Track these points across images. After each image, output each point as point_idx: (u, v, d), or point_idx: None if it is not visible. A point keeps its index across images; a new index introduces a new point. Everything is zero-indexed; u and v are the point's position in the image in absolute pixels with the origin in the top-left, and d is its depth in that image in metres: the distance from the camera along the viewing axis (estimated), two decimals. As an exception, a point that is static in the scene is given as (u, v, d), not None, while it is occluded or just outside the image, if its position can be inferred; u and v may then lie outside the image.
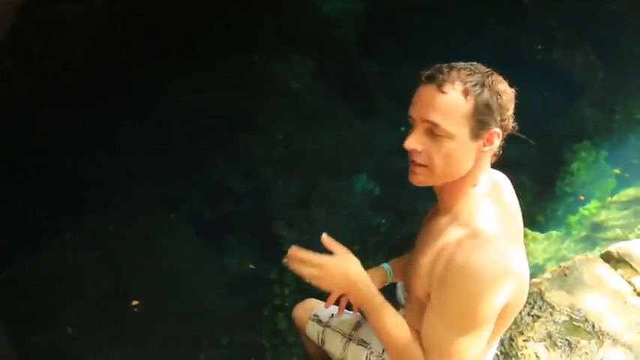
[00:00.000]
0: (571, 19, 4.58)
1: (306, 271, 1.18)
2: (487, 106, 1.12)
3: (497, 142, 1.18)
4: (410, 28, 4.52)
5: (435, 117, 1.12)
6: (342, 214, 3.37)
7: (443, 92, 1.12)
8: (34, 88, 3.70)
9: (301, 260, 1.19)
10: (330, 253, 1.22)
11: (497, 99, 1.14)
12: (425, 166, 1.17)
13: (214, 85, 4.04)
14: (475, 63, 1.19)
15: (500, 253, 1.11)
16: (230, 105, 3.93)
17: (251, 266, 3.11)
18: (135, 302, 2.84)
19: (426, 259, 1.20)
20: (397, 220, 3.32)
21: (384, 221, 3.34)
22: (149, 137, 3.71)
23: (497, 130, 1.16)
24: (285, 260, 1.23)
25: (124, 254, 3.08)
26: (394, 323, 1.20)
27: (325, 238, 1.20)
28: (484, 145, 1.16)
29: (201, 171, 3.55)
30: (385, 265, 1.61)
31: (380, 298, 1.22)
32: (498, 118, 1.15)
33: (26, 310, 2.81)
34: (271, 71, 4.21)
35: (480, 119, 1.13)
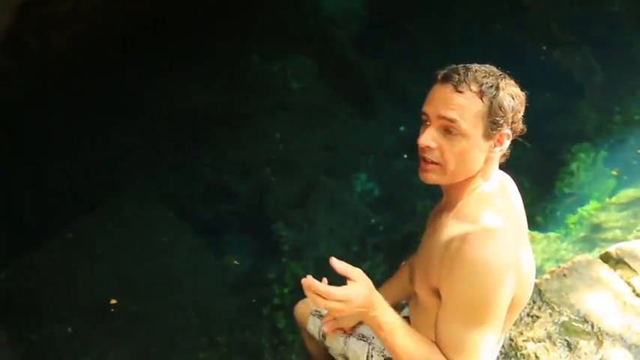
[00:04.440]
0: (571, 20, 4.58)
1: (331, 305, 1.09)
2: (501, 108, 1.16)
3: (507, 143, 1.21)
4: (410, 28, 4.52)
5: (452, 114, 1.15)
6: (341, 213, 3.36)
7: (459, 92, 1.15)
8: (32, 88, 3.70)
9: (323, 294, 1.09)
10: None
11: (510, 101, 1.18)
12: (437, 163, 1.18)
13: (213, 84, 4.04)
14: (488, 65, 1.22)
15: (507, 246, 1.13)
16: (229, 104, 3.93)
17: (235, 262, 3.11)
18: (113, 301, 2.83)
19: (431, 256, 1.21)
20: (396, 219, 3.32)
21: (383, 221, 3.34)
22: (148, 136, 3.70)
23: (508, 131, 1.20)
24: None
25: (123, 253, 3.08)
26: (410, 340, 1.16)
27: (336, 263, 1.12)
28: (495, 146, 1.20)
29: (200, 170, 3.54)
30: None
31: (392, 317, 1.17)
32: (510, 120, 1.18)
33: (25, 309, 2.81)
34: (271, 70, 4.21)
35: (494, 120, 1.16)
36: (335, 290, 1.09)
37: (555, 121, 3.83)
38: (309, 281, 1.10)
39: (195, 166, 3.57)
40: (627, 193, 3.38)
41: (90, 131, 3.60)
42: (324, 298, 1.09)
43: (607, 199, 3.39)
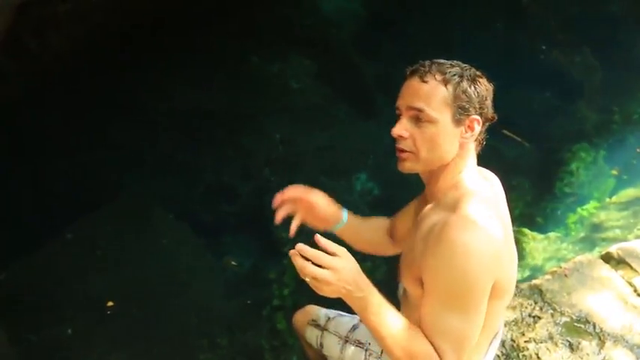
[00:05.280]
0: (570, 20, 4.58)
1: (318, 272, 1.08)
2: (465, 93, 1.21)
3: (478, 128, 1.24)
4: (410, 29, 4.51)
5: (418, 103, 1.21)
6: (341, 214, 3.35)
7: (425, 82, 1.22)
8: (31, 87, 3.69)
9: (312, 257, 1.08)
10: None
11: (475, 88, 1.23)
12: (411, 152, 1.23)
13: (213, 85, 4.04)
14: (455, 61, 1.27)
15: (489, 232, 1.14)
16: (229, 105, 3.92)
17: (233, 263, 3.11)
18: (110, 303, 2.82)
19: (415, 248, 1.23)
20: (396, 220, 3.31)
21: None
22: (147, 137, 3.70)
23: (477, 117, 1.23)
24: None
25: (123, 254, 3.07)
26: (396, 323, 1.16)
27: (321, 239, 1.11)
28: (465, 132, 1.23)
29: (200, 171, 3.54)
30: (344, 212, 1.59)
31: (380, 299, 1.16)
32: (477, 106, 1.23)
33: (25, 310, 2.80)
34: (270, 71, 4.21)
35: (460, 105, 1.21)
36: (324, 255, 1.09)
37: (555, 121, 3.83)
38: (299, 246, 1.09)
39: (195, 166, 3.56)
40: (627, 193, 3.39)
41: (89, 131, 3.59)
42: (313, 263, 1.07)
43: (607, 199, 3.39)
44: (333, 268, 1.09)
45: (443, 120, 1.20)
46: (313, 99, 4.05)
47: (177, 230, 3.20)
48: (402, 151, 1.24)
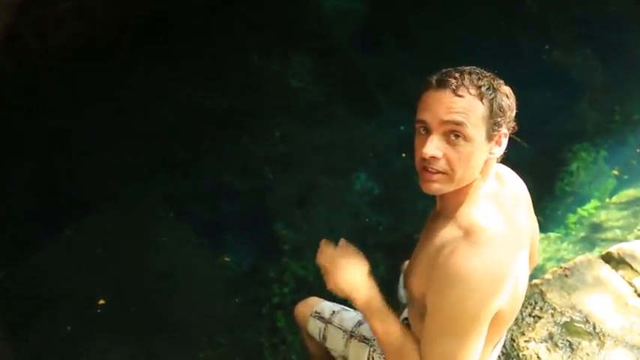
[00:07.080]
0: (571, 19, 4.58)
1: (321, 260, 1.30)
2: (501, 109, 1.14)
3: (505, 143, 1.19)
4: (411, 28, 4.51)
5: (458, 117, 1.10)
6: (341, 213, 3.36)
7: (459, 96, 1.11)
8: (31, 86, 3.69)
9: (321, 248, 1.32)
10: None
11: (506, 100, 1.16)
12: (443, 172, 1.14)
13: (213, 83, 4.03)
14: (474, 67, 1.19)
15: (496, 261, 1.11)
16: (229, 103, 3.92)
17: (226, 259, 3.11)
18: (101, 301, 2.82)
19: (424, 260, 1.21)
20: (396, 219, 3.32)
21: (383, 220, 3.33)
22: (147, 135, 3.69)
23: (506, 131, 1.18)
24: None
25: (123, 253, 3.07)
26: (394, 332, 1.21)
27: (342, 240, 1.34)
28: (494, 147, 1.18)
29: (199, 170, 3.53)
30: None
31: (380, 305, 1.24)
32: (508, 120, 1.17)
33: (25, 308, 2.80)
34: (270, 70, 4.20)
35: (495, 121, 1.14)
36: (326, 247, 1.32)
37: (556, 121, 3.83)
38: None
39: (195, 165, 3.56)
40: (627, 193, 3.38)
41: (89, 130, 3.59)
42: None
43: (607, 199, 3.39)
44: (328, 257, 1.30)
45: (478, 137, 1.12)
46: (313, 98, 4.04)
47: (177, 229, 3.20)
48: (432, 172, 1.14)
